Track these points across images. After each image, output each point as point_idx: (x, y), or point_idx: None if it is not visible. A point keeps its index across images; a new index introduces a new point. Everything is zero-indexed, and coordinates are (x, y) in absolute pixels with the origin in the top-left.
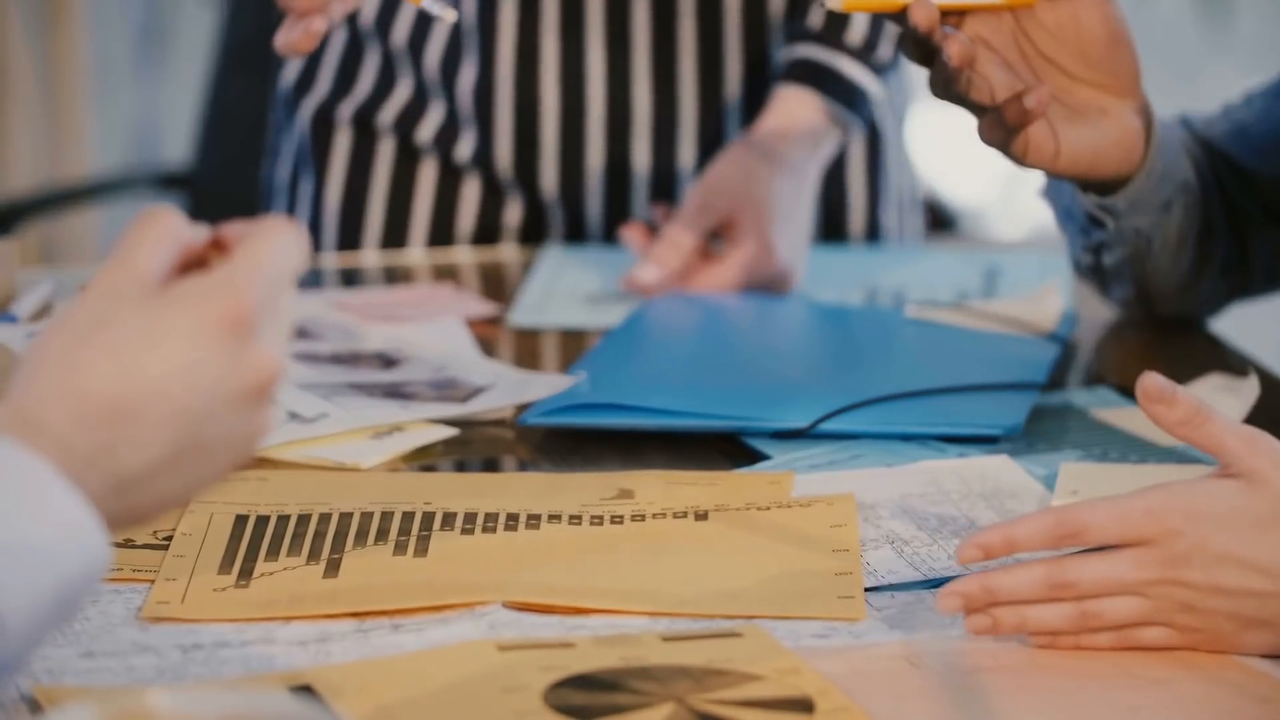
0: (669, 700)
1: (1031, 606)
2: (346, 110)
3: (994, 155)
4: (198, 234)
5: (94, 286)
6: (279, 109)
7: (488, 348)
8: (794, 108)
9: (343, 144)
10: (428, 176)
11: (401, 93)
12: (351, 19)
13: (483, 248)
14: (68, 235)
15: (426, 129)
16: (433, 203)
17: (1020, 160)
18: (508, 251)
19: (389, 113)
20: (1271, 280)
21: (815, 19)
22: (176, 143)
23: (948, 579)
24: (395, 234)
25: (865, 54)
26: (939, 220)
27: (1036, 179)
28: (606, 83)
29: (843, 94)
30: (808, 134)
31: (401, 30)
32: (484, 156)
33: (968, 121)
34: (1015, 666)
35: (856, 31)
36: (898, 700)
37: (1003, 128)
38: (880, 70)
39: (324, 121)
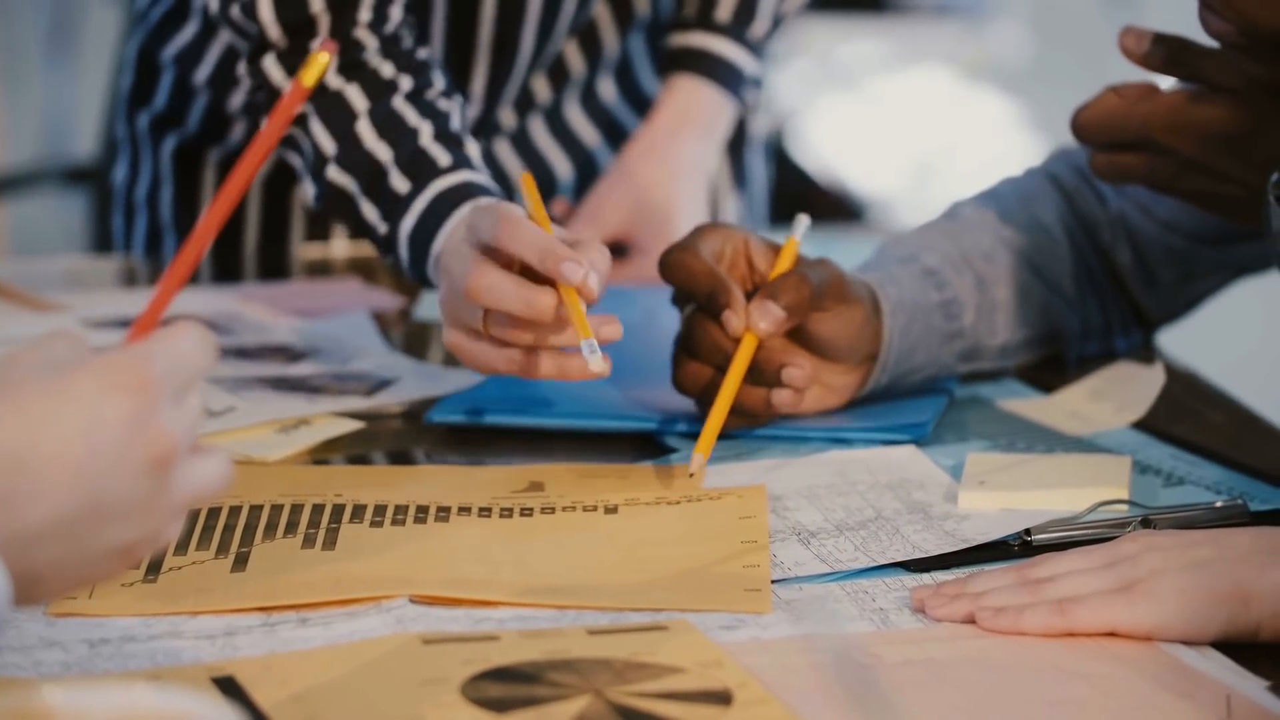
0: (587, 692)
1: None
2: (215, 154)
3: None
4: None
5: (8, 360)
6: (123, 123)
7: (394, 341)
8: (684, 99)
9: (211, 180)
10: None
11: None
12: (221, 91)
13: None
14: None
15: None
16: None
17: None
18: None
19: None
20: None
21: (690, 7)
22: (85, 137)
23: (854, 572)
24: (275, 232)
25: (740, 33)
26: (847, 210)
27: (946, 169)
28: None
29: (726, 77)
30: (700, 124)
31: None
32: None
33: (874, 111)
34: (936, 660)
35: (728, 11)
36: (820, 693)
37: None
38: (756, 48)
39: (190, 159)
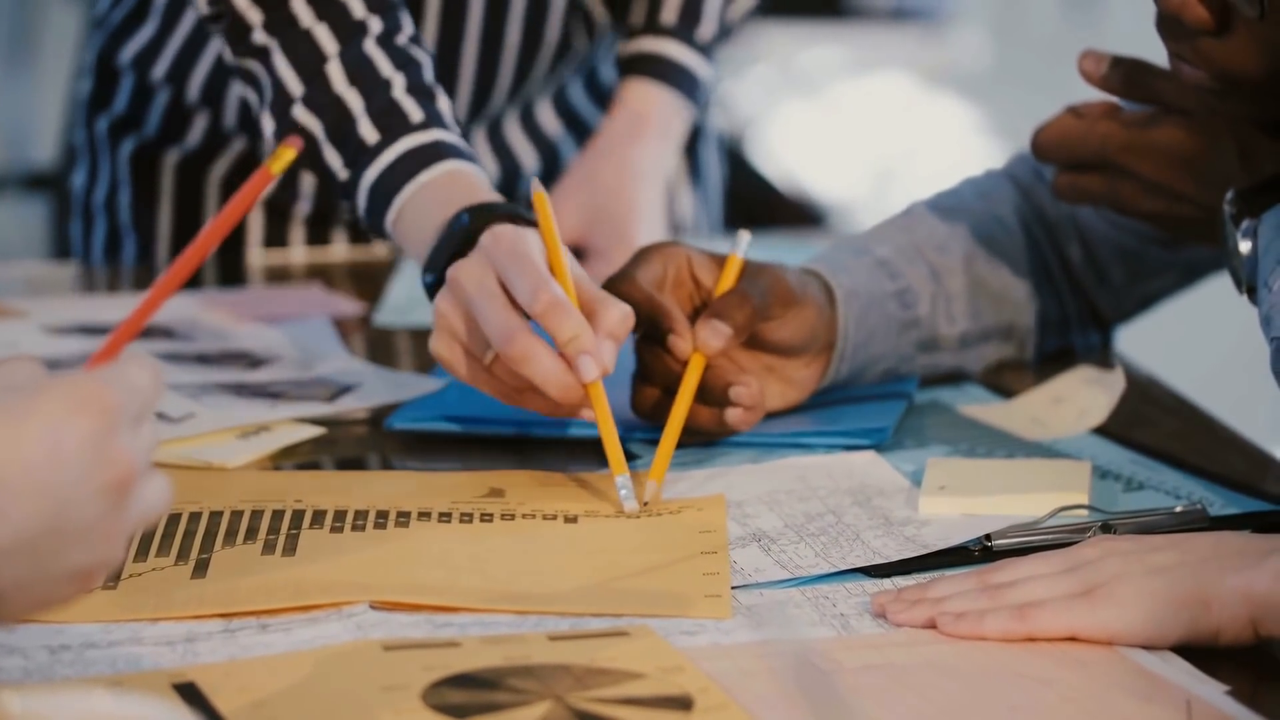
0: (547, 698)
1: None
2: (173, 155)
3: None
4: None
5: None
6: (82, 129)
7: (354, 347)
8: (638, 103)
9: (169, 182)
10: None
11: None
12: (180, 85)
13: (357, 247)
14: None
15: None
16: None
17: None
18: (381, 250)
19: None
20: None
21: (638, 15)
22: (44, 144)
23: (815, 577)
24: (233, 237)
25: (687, 34)
26: (808, 216)
27: (906, 174)
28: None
29: (678, 79)
30: (655, 127)
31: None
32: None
33: (834, 116)
34: (897, 666)
35: (673, 14)
36: (780, 699)
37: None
38: (705, 50)
39: (148, 161)
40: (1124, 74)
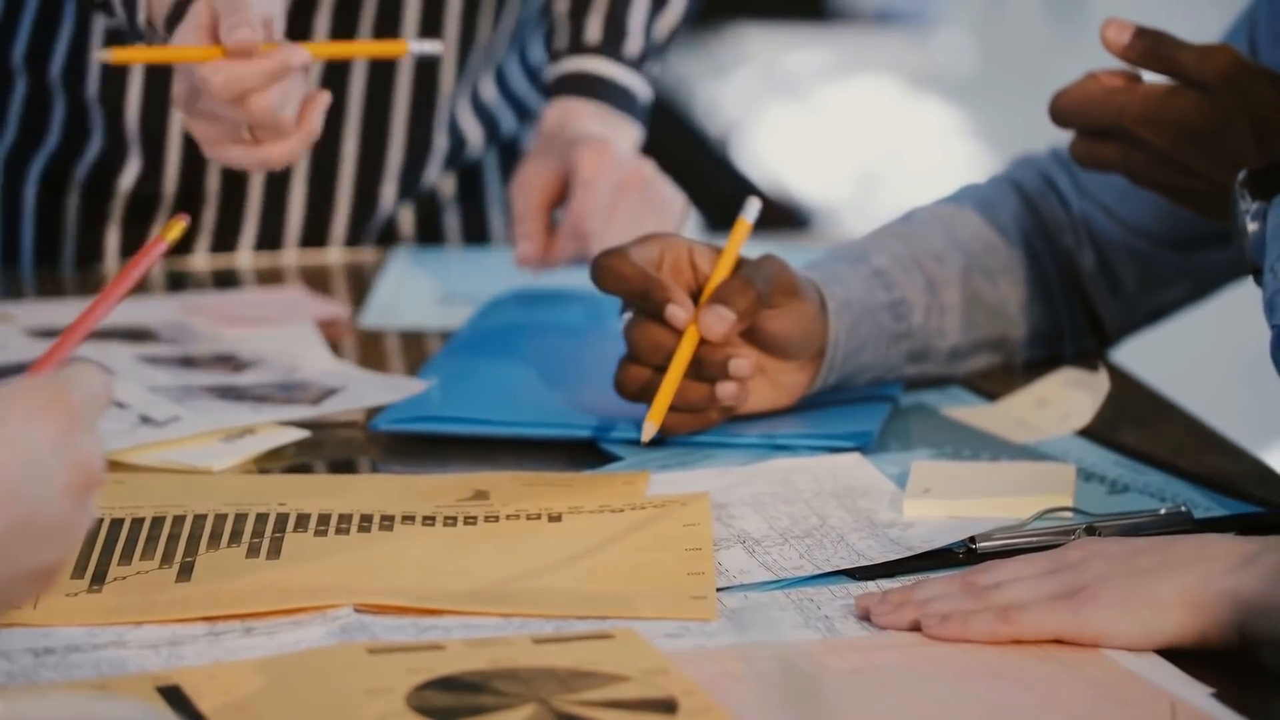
0: (532, 701)
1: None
2: (81, 169)
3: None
4: None
5: None
6: None
7: (338, 350)
8: (563, 111)
9: (30, 196)
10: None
11: (94, 145)
12: (39, 72)
13: (311, 250)
14: None
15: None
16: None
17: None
18: (333, 254)
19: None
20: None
21: (560, 39)
22: None
23: (799, 579)
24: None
25: (614, 50)
26: (793, 219)
27: (891, 177)
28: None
29: (609, 94)
30: (588, 117)
31: (94, 83)
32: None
33: (818, 119)
34: (881, 668)
35: (597, 31)
36: (764, 702)
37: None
38: (636, 65)
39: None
40: (1145, 45)
